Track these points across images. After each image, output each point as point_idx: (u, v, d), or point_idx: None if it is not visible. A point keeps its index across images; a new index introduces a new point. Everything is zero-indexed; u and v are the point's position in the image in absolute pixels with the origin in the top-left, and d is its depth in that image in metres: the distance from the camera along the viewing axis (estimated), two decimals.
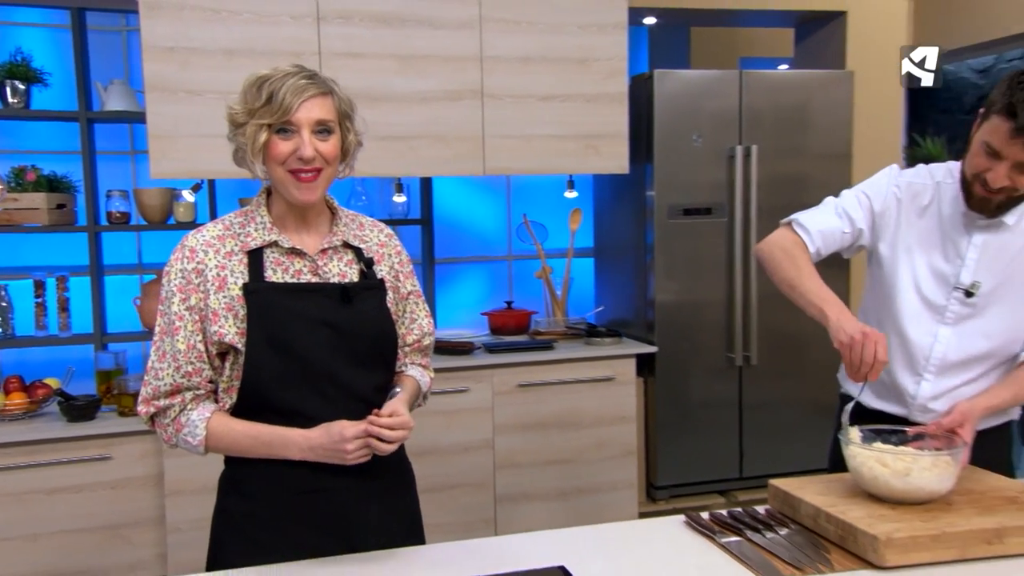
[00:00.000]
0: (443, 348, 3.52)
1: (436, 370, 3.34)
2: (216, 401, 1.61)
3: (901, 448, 1.66)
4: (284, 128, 1.52)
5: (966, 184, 1.81)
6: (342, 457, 1.50)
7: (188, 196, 3.54)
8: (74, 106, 3.64)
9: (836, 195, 2.03)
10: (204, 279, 1.55)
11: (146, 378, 1.57)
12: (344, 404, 1.58)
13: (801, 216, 1.96)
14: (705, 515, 1.70)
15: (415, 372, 1.80)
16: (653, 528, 1.68)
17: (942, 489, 1.57)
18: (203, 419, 1.55)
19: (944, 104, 5.48)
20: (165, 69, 3.13)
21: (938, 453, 1.59)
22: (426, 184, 4.07)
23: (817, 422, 3.35)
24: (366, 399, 1.61)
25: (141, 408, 1.58)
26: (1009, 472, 1.99)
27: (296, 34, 3.25)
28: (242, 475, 1.61)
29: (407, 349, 1.78)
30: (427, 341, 1.82)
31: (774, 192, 3.74)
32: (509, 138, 3.52)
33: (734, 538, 1.58)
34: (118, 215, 3.64)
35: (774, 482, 1.75)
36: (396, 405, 1.55)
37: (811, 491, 1.68)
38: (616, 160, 3.63)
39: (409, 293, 1.77)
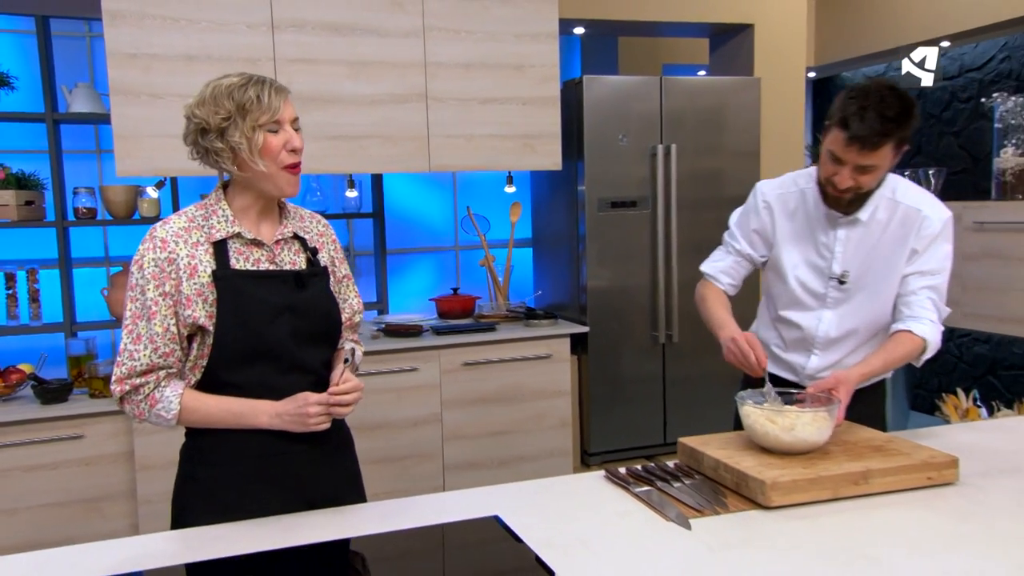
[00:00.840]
0: (394, 331, 3.57)
1: (387, 352, 3.45)
2: (182, 379, 1.66)
3: (787, 407, 1.79)
4: (272, 127, 1.59)
5: (821, 187, 1.98)
6: (305, 422, 1.58)
7: (152, 192, 3.55)
8: (41, 108, 3.61)
9: (746, 188, 2.23)
10: (176, 267, 1.58)
11: (119, 359, 1.59)
12: (296, 377, 1.65)
13: (704, 267, 2.21)
14: (622, 470, 1.81)
15: (349, 347, 1.85)
16: (578, 482, 1.78)
17: (820, 440, 1.71)
18: (176, 395, 1.60)
19: None
20: (128, 74, 3.12)
21: (817, 410, 1.73)
22: (377, 180, 4.11)
23: (730, 393, 3.47)
24: (315, 372, 1.69)
25: (115, 387, 1.59)
26: (882, 424, 2.15)
27: (252, 41, 3.26)
28: (205, 444, 1.65)
29: (341, 328, 1.83)
30: (357, 319, 1.89)
31: (692, 186, 3.87)
32: (452, 137, 3.57)
33: (646, 488, 1.70)
34: (85, 211, 3.62)
35: (683, 440, 1.86)
36: (347, 374, 1.64)
37: (713, 446, 1.80)
38: (550, 157, 3.71)
39: (343, 277, 1.84)
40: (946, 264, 1.99)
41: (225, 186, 1.70)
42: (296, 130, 1.64)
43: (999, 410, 4.10)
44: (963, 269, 3.97)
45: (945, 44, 4.58)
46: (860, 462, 1.65)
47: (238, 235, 1.64)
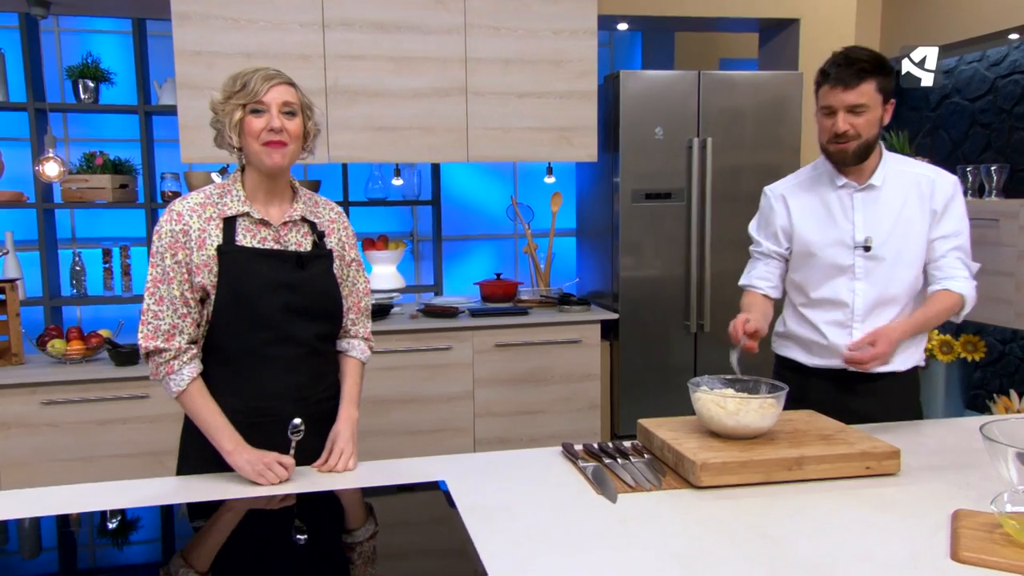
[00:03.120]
0: (432, 312, 3.66)
1: (424, 331, 3.53)
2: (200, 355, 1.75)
3: (736, 393, 1.76)
4: (256, 109, 1.68)
5: (828, 154, 2.01)
6: (259, 469, 1.65)
7: (216, 177, 3.76)
8: (135, 101, 3.88)
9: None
10: (189, 238, 1.69)
11: (144, 318, 1.69)
12: (289, 348, 1.75)
13: (741, 281, 2.25)
14: (579, 446, 1.83)
15: (356, 352, 1.92)
16: (532, 456, 1.82)
17: (763, 426, 1.68)
18: (190, 377, 1.70)
19: (913, 102, 5.41)
20: (193, 70, 3.31)
21: (764, 397, 1.70)
22: (436, 169, 4.20)
23: None
24: (307, 344, 1.78)
25: (142, 343, 1.68)
26: (918, 412, 2.11)
27: (304, 39, 3.39)
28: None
29: (352, 316, 1.91)
30: (364, 302, 1.95)
31: (726, 180, 3.77)
32: (490, 129, 3.62)
33: (592, 463, 1.72)
34: (171, 194, 3.88)
35: (641, 420, 1.87)
36: (342, 444, 1.78)
37: (665, 428, 1.80)
38: (586, 150, 3.71)
39: (352, 261, 1.90)
40: (965, 223, 2.02)
41: (243, 170, 1.80)
42: (290, 114, 1.71)
43: None
44: (1018, 268, 3.73)
45: (1014, 36, 4.28)
46: (798, 449, 1.62)
47: (247, 214, 1.73)
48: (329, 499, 1.59)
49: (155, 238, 1.72)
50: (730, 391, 1.79)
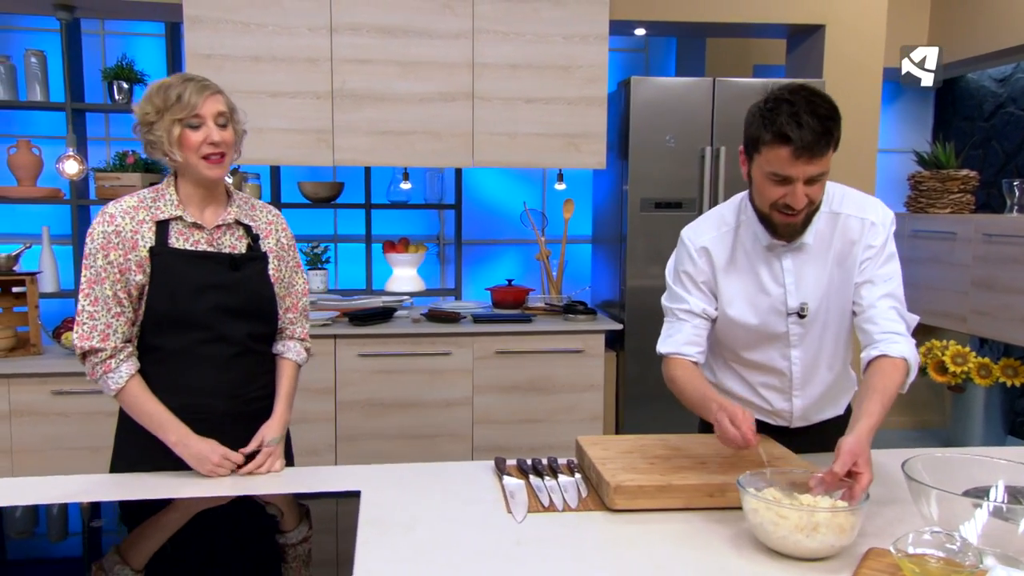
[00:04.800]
0: (434, 316, 3.64)
1: (424, 335, 3.51)
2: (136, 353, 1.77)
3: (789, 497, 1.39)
4: (192, 122, 1.70)
5: (765, 218, 1.70)
6: (203, 465, 1.71)
7: (228, 178, 3.83)
8: None
9: None
10: (121, 239, 1.71)
11: (80, 319, 1.71)
12: (221, 347, 1.77)
13: (662, 347, 1.87)
14: (512, 461, 1.78)
15: (292, 355, 1.93)
16: (461, 470, 1.77)
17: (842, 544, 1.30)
18: (128, 374, 1.72)
19: (966, 111, 5.13)
20: (203, 73, 3.35)
21: (837, 505, 1.34)
22: (458, 173, 4.19)
23: None
24: (240, 343, 1.80)
25: (78, 343, 1.70)
26: None
27: (312, 43, 3.43)
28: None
29: (290, 315, 1.93)
30: (302, 303, 1.95)
31: (739, 191, 3.64)
32: (496, 135, 3.58)
33: (514, 479, 1.67)
34: None
35: (579, 438, 1.80)
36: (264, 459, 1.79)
37: (599, 447, 1.73)
38: (594, 157, 3.64)
39: (291, 261, 1.92)
40: (897, 267, 1.73)
41: (175, 175, 1.81)
42: (222, 125, 1.73)
43: None
44: None
45: None
46: (724, 475, 1.53)
47: (180, 218, 1.75)
48: (237, 505, 1.58)
49: (88, 240, 1.73)
50: (773, 491, 1.40)
